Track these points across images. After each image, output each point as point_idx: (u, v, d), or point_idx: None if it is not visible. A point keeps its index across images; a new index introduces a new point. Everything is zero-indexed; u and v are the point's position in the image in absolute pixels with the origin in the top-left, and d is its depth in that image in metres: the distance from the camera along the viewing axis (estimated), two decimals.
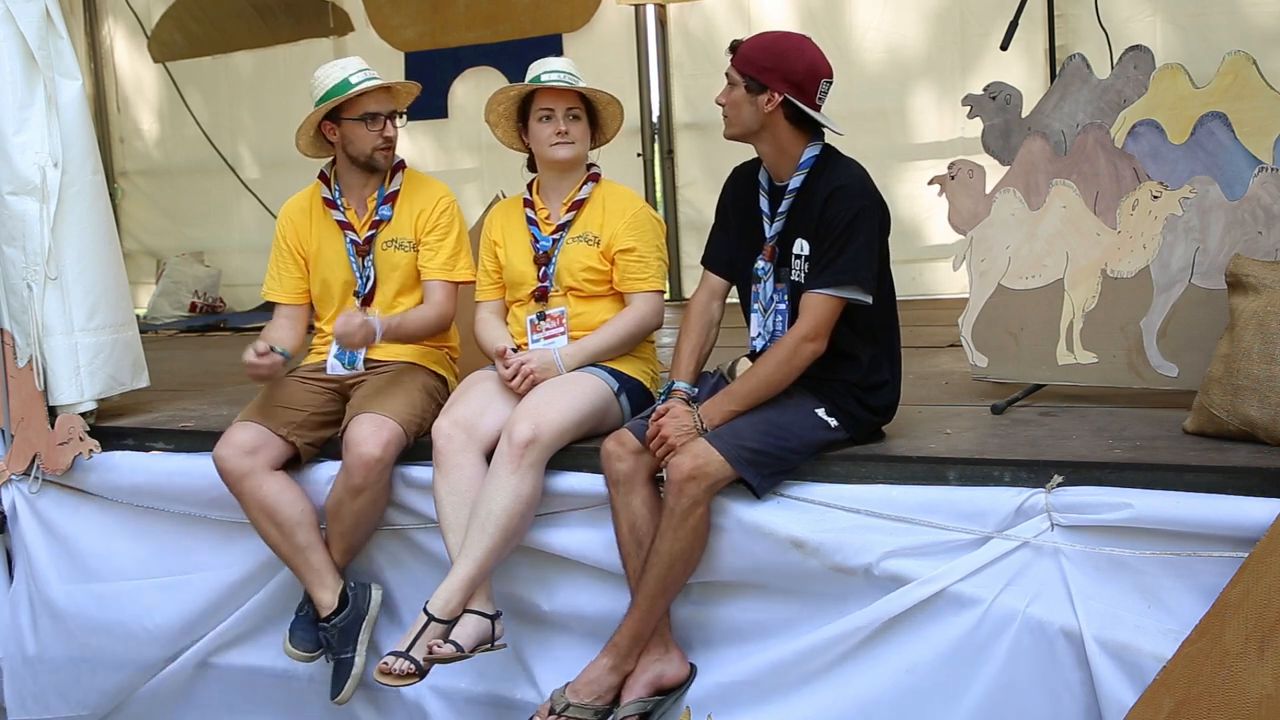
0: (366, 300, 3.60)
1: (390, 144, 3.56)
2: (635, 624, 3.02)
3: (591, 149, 3.55)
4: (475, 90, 7.28)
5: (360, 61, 3.59)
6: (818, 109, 3.04)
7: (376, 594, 3.44)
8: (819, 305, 2.98)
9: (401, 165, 3.68)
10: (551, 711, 3.01)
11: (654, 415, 3.06)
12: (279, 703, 3.68)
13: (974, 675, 2.84)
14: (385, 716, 3.55)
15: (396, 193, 3.62)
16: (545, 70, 3.42)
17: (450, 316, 3.61)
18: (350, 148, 3.56)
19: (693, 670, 3.13)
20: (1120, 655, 2.70)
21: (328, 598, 3.37)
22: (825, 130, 3.10)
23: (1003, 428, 3.30)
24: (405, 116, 3.69)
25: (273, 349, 3.38)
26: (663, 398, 3.16)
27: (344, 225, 3.61)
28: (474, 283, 3.63)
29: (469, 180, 7.37)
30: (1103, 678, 2.70)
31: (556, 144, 3.40)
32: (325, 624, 3.37)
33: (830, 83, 3.05)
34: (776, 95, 3.00)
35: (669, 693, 3.08)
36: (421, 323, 3.53)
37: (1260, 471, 2.74)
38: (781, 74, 2.99)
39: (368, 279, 3.59)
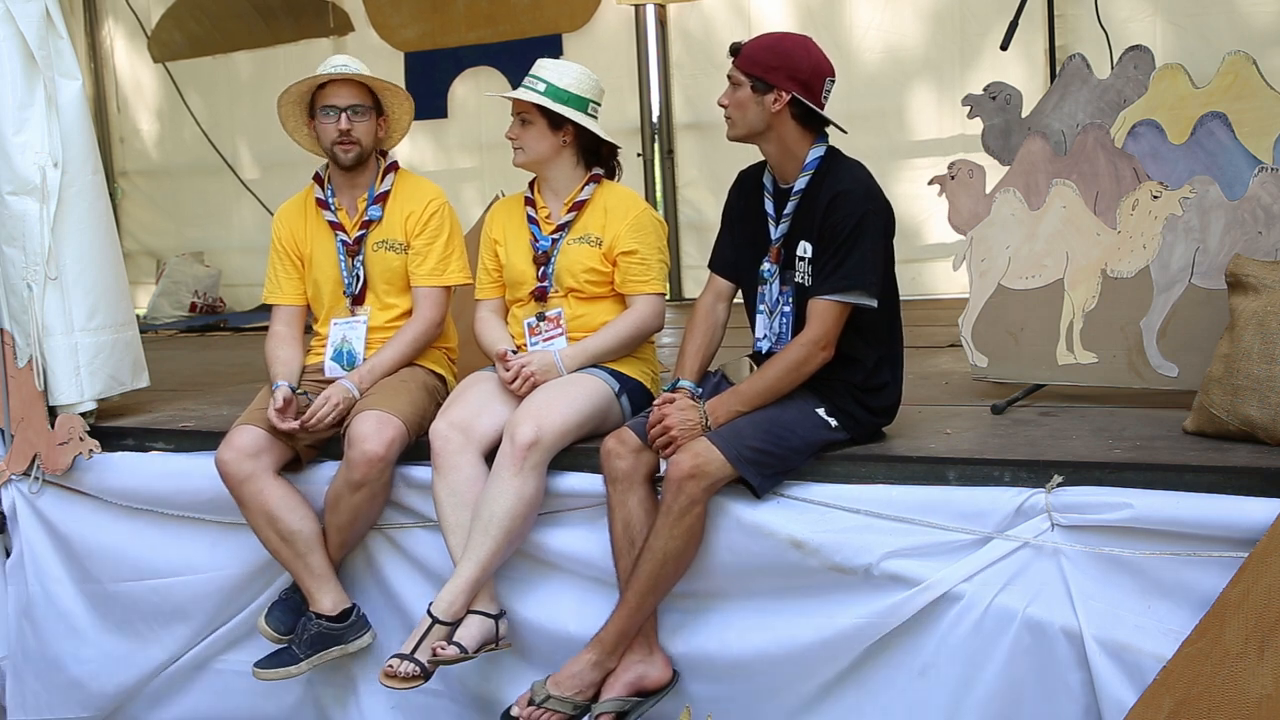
0: (357, 300, 3.60)
1: (346, 137, 3.50)
2: (622, 621, 3.00)
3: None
4: (475, 90, 7.29)
5: (345, 58, 3.58)
6: (823, 107, 3.04)
7: (368, 638, 3.41)
8: (826, 311, 2.98)
9: (394, 166, 3.67)
10: (530, 702, 2.99)
11: (658, 403, 3.05)
12: (280, 705, 3.68)
13: (975, 676, 2.85)
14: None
15: (387, 193, 3.61)
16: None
17: (440, 323, 3.60)
18: (322, 141, 3.57)
19: (675, 676, 3.10)
20: (1120, 655, 2.70)
21: (328, 602, 3.36)
22: (829, 131, 3.09)
23: (1003, 428, 3.30)
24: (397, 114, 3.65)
25: (292, 389, 3.41)
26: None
27: (335, 225, 3.61)
28: (470, 284, 3.64)
29: (469, 180, 7.37)
30: (1103, 678, 2.71)
31: (514, 150, 3.45)
32: (316, 616, 3.35)
33: (833, 81, 3.05)
34: (784, 94, 2.99)
35: (649, 695, 3.05)
36: (401, 348, 3.51)
37: (1260, 471, 2.74)
38: (788, 72, 2.99)
39: (357, 279, 3.59)
